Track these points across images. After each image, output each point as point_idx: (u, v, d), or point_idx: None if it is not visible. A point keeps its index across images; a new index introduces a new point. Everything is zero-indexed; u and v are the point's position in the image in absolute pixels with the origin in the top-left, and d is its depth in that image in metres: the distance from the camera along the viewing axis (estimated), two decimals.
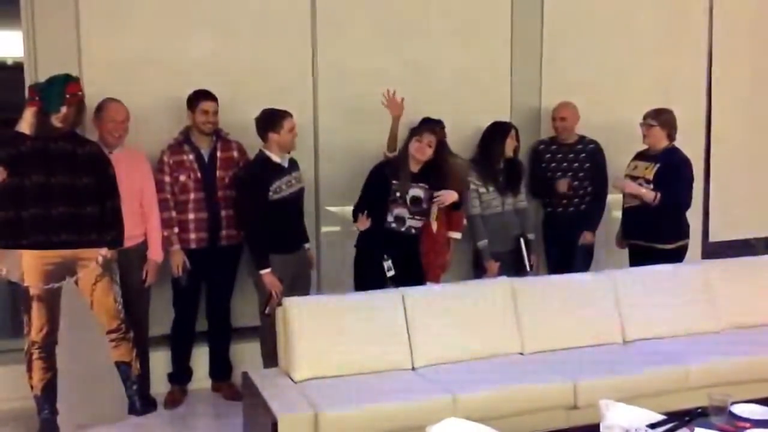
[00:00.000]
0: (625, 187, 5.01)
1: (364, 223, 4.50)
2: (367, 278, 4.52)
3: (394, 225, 4.51)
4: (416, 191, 4.55)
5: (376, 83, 5.15)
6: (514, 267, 5.04)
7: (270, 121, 4.49)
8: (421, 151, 4.50)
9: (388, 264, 4.47)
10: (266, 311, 4.47)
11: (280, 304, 4.13)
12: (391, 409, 3.62)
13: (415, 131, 4.55)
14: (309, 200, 4.94)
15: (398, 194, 4.50)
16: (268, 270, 4.45)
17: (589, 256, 5.35)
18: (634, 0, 5.89)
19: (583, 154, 5.31)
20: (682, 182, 5.00)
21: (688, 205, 5.08)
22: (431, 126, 4.67)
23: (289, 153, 4.61)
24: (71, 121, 4.19)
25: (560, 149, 5.37)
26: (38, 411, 4.22)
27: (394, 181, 4.50)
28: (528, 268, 5.07)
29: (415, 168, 4.55)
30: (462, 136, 5.32)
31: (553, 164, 5.37)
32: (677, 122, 5.06)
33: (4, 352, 4.78)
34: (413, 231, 4.58)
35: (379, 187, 4.51)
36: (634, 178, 5.07)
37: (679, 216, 5.08)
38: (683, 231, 5.12)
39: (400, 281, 4.46)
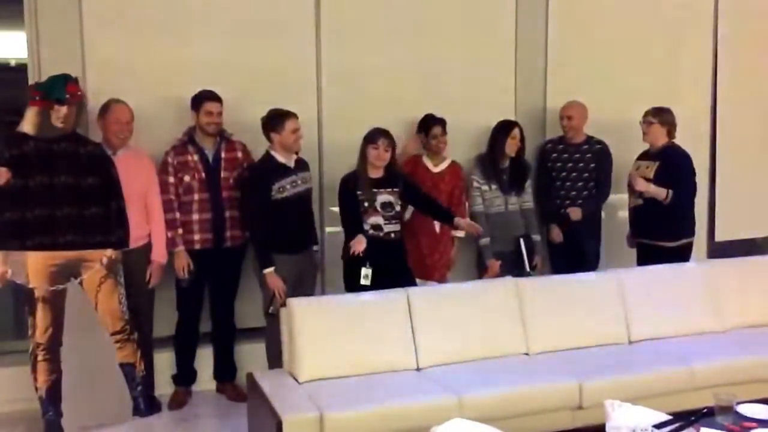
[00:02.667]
0: (636, 184, 5.01)
1: (361, 244, 4.42)
2: (357, 291, 4.48)
3: (372, 232, 4.49)
4: (385, 197, 4.52)
5: (380, 84, 5.18)
6: (515, 267, 5.02)
7: (272, 121, 4.50)
8: (380, 157, 4.47)
9: (366, 272, 4.44)
10: (269, 310, 4.48)
11: (284, 304, 4.13)
12: (396, 409, 3.62)
13: (370, 139, 4.49)
14: (313, 201, 4.93)
15: (366, 204, 4.48)
16: (271, 269, 4.45)
17: (594, 258, 5.32)
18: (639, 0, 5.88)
19: (589, 155, 5.29)
20: (684, 177, 5.04)
21: (693, 197, 5.13)
22: (384, 131, 4.56)
23: (296, 154, 4.62)
24: (72, 121, 4.20)
25: (567, 149, 5.35)
26: (43, 412, 4.22)
27: (358, 192, 4.48)
28: (527, 269, 5.04)
29: (377, 174, 4.52)
30: (466, 135, 5.32)
31: (559, 164, 5.36)
32: (677, 121, 5.10)
33: (8, 353, 4.81)
34: (393, 235, 4.55)
35: (349, 200, 4.50)
36: None
37: (684, 213, 5.09)
38: (688, 229, 5.16)
39: (390, 287, 4.44)
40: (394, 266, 4.54)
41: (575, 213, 5.24)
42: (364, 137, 4.54)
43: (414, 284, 4.61)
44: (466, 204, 5.06)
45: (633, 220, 5.28)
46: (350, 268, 4.53)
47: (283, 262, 4.51)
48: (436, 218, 4.87)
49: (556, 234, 5.33)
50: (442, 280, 5.03)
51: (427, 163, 5.08)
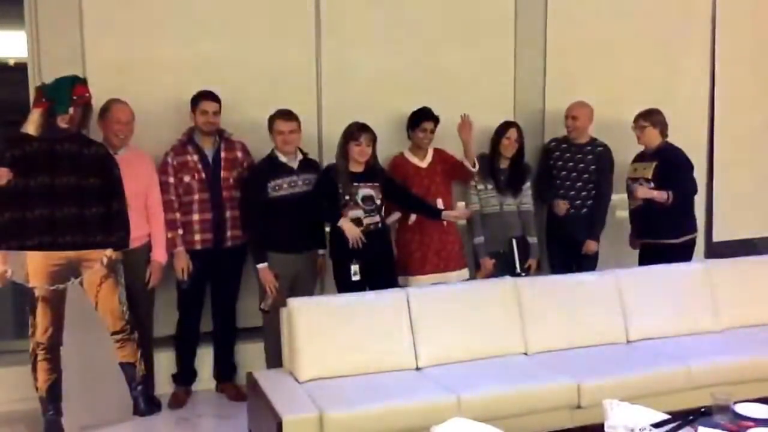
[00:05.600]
0: (637, 193, 5.05)
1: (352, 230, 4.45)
2: (348, 289, 4.52)
3: None
4: (366, 191, 4.55)
5: (380, 84, 5.20)
6: (509, 267, 5.04)
7: (268, 121, 4.57)
8: (363, 153, 4.51)
9: (354, 268, 4.48)
10: (260, 306, 4.55)
11: (284, 304, 4.14)
12: (395, 409, 3.63)
13: (351, 135, 4.52)
14: None
15: (347, 197, 4.51)
16: (264, 265, 4.51)
17: (593, 259, 5.32)
18: (638, 0, 5.90)
19: (591, 156, 5.28)
20: (683, 174, 5.09)
21: (694, 192, 5.18)
22: (364, 125, 4.57)
23: (304, 155, 4.66)
24: (77, 123, 4.21)
25: (569, 149, 5.34)
26: (43, 412, 4.22)
27: (339, 185, 4.52)
28: (517, 270, 5.04)
29: (358, 168, 4.56)
30: None
31: (560, 163, 5.35)
32: (676, 121, 5.17)
33: (9, 353, 4.81)
34: (372, 227, 4.56)
35: (328, 191, 4.53)
36: (634, 180, 5.17)
37: (686, 210, 5.14)
38: (690, 225, 5.21)
39: (372, 281, 4.48)
40: (378, 258, 4.59)
41: (591, 246, 5.22)
42: (343, 133, 4.57)
43: (395, 276, 4.72)
44: (474, 164, 4.97)
45: (635, 221, 5.31)
46: (339, 266, 4.57)
47: (279, 261, 4.54)
48: (422, 214, 4.86)
49: (562, 206, 5.26)
50: (461, 266, 5.02)
51: (413, 159, 5.03)
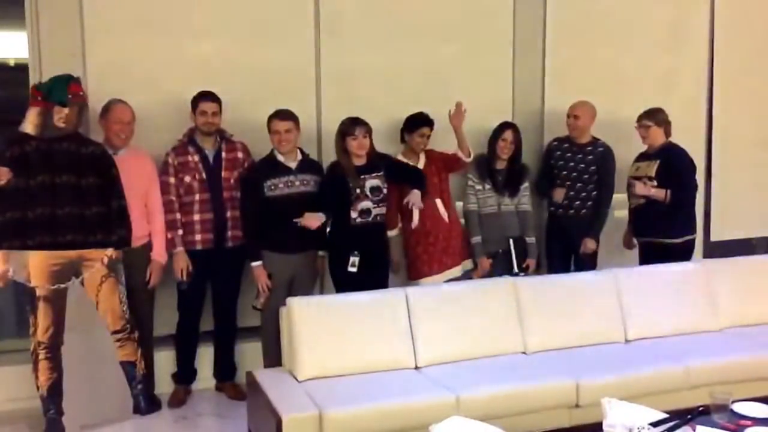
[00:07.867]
0: (635, 189, 5.08)
1: (315, 221, 4.45)
2: (344, 279, 4.55)
3: (359, 220, 4.55)
4: (373, 181, 4.59)
5: (379, 84, 5.20)
6: (507, 267, 5.05)
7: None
8: (361, 145, 4.55)
9: (353, 260, 4.52)
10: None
11: (281, 303, 4.15)
12: (394, 408, 3.64)
13: (346, 131, 4.55)
14: None
15: (358, 191, 4.54)
16: (258, 263, 4.54)
17: (592, 259, 5.33)
18: (638, 1, 5.90)
19: (591, 157, 5.27)
20: (686, 174, 5.12)
21: (695, 193, 5.21)
22: (357, 119, 4.59)
23: (304, 155, 4.68)
24: (73, 122, 4.22)
25: (571, 148, 5.33)
26: (44, 411, 4.24)
27: (348, 179, 4.54)
28: (515, 269, 5.06)
29: (361, 162, 4.59)
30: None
31: (561, 162, 5.34)
32: (674, 121, 5.17)
33: (10, 352, 4.82)
34: (378, 218, 4.63)
35: (336, 186, 4.55)
36: (637, 179, 5.18)
37: (687, 211, 5.16)
38: (690, 225, 5.22)
39: (367, 274, 4.51)
40: (376, 251, 4.64)
41: (589, 244, 5.22)
42: (339, 130, 4.60)
43: (388, 272, 4.77)
44: (469, 153, 5.00)
45: (635, 219, 5.31)
46: (337, 257, 4.59)
47: (276, 260, 4.56)
48: (410, 183, 4.83)
49: (559, 194, 5.28)
50: (465, 257, 5.06)
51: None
